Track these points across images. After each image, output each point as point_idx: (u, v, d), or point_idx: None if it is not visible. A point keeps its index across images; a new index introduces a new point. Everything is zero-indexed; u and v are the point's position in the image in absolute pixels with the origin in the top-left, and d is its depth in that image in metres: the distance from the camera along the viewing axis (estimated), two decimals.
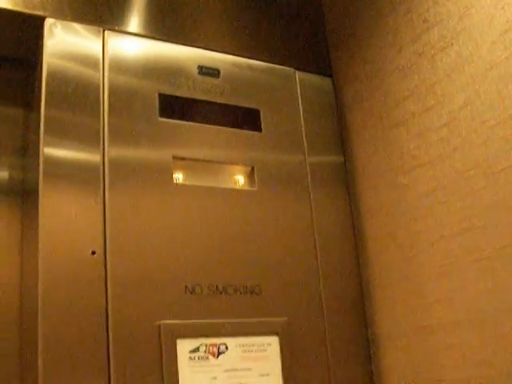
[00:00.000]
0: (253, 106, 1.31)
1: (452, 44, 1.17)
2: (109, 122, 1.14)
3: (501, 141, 1.05)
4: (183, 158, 1.20)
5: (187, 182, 1.19)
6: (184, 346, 1.07)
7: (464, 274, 1.11)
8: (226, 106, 1.28)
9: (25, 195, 1.23)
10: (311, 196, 1.30)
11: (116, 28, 1.22)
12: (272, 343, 1.15)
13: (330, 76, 1.48)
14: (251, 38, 1.39)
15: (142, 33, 1.25)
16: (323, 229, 1.29)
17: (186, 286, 1.11)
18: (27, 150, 1.25)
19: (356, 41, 1.43)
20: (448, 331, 1.14)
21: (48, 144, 1.07)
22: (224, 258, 1.16)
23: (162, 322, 1.06)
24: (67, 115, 1.11)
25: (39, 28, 1.15)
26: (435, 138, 1.19)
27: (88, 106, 1.13)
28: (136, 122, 1.16)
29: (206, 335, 1.09)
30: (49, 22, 1.15)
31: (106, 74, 1.17)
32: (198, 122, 1.23)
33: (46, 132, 1.08)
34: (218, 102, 1.27)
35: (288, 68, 1.40)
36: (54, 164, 1.07)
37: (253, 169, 1.26)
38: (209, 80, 1.28)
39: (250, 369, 1.11)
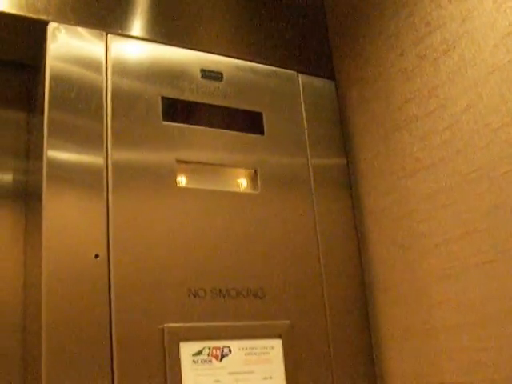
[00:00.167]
0: (256, 109, 1.31)
1: (454, 47, 1.17)
2: (112, 126, 1.14)
3: (503, 144, 1.06)
4: (186, 162, 1.20)
5: (190, 186, 1.19)
6: (187, 349, 1.07)
7: (467, 277, 1.11)
8: (228, 109, 1.28)
9: (28, 198, 1.23)
10: (314, 199, 1.30)
11: (119, 32, 1.22)
12: (275, 346, 1.15)
13: (333, 79, 1.48)
14: (254, 42, 1.39)
15: (145, 36, 1.25)
16: (326, 231, 1.29)
17: (189, 289, 1.11)
18: (31, 153, 1.26)
19: (359, 44, 1.43)
20: (451, 334, 1.14)
21: (51, 147, 1.08)
22: (227, 261, 1.16)
23: (165, 325, 1.06)
24: (70, 118, 1.11)
25: (43, 32, 1.15)
26: (438, 141, 1.19)
27: (91, 110, 1.13)
28: (139, 125, 1.17)
29: (210, 338, 1.09)
30: (52, 26, 1.15)
31: (109, 77, 1.17)
32: (200, 125, 1.24)
33: (49, 135, 1.08)
34: (221, 105, 1.27)
35: (291, 71, 1.40)
36: (58, 167, 1.07)
37: (256, 172, 1.26)
38: (212, 83, 1.28)
39: (253, 372, 1.11)
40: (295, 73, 1.41)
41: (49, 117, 1.09)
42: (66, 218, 1.05)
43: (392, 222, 1.29)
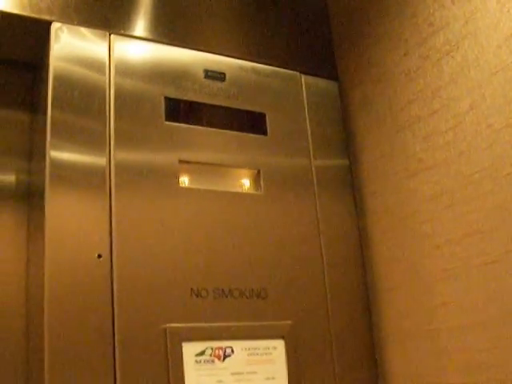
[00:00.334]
0: (258, 109, 1.31)
1: (458, 48, 1.17)
2: (115, 126, 1.14)
3: (506, 145, 1.05)
4: (189, 162, 1.20)
5: (193, 186, 1.19)
6: (190, 350, 1.07)
7: (469, 278, 1.11)
8: (231, 109, 1.28)
9: (31, 198, 1.23)
10: (317, 199, 1.30)
11: (122, 32, 1.22)
12: (278, 347, 1.15)
13: (336, 80, 1.48)
14: (257, 42, 1.39)
15: (148, 37, 1.25)
16: (329, 232, 1.29)
17: (192, 290, 1.11)
18: (33, 153, 1.26)
19: (362, 44, 1.43)
20: (453, 335, 1.14)
21: (54, 147, 1.08)
22: (230, 261, 1.16)
23: (167, 325, 1.06)
24: (73, 119, 1.11)
25: (46, 32, 1.15)
26: (441, 142, 1.19)
27: (94, 110, 1.13)
28: (142, 125, 1.17)
29: (212, 338, 1.09)
30: (55, 26, 1.15)
31: (112, 77, 1.17)
32: (203, 125, 1.24)
33: (52, 135, 1.08)
34: (224, 105, 1.27)
35: (294, 72, 1.40)
36: (60, 167, 1.07)
37: (259, 172, 1.26)
38: (215, 84, 1.28)
39: (255, 372, 1.11)
40: (298, 73, 1.41)
41: (52, 117, 1.09)
42: (69, 218, 1.05)
43: (395, 223, 1.29)
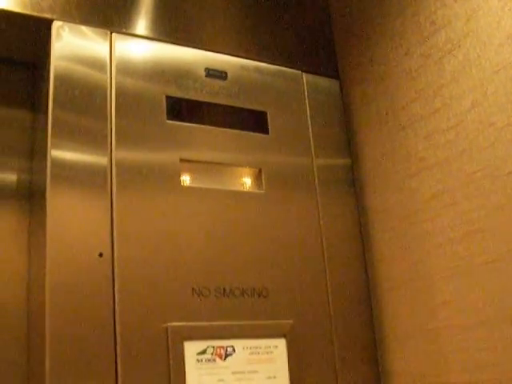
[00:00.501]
0: (260, 108, 1.31)
1: (459, 46, 1.17)
2: (116, 125, 1.14)
3: (508, 143, 1.05)
4: (190, 161, 1.20)
5: (194, 185, 1.19)
6: (191, 348, 1.07)
7: (471, 277, 1.11)
8: (233, 108, 1.28)
9: (32, 197, 1.24)
10: (318, 198, 1.30)
11: (123, 30, 1.22)
12: (279, 345, 1.14)
13: (337, 78, 1.47)
14: (258, 41, 1.39)
15: (150, 35, 1.25)
16: (330, 231, 1.29)
17: (193, 289, 1.11)
18: (35, 152, 1.26)
19: (363, 43, 1.43)
20: (455, 334, 1.14)
21: (55, 146, 1.08)
22: (231, 260, 1.16)
23: (169, 324, 1.06)
24: (75, 117, 1.11)
25: (47, 31, 1.15)
26: (442, 141, 1.19)
27: (95, 109, 1.13)
28: (143, 124, 1.17)
29: (214, 337, 1.09)
30: (56, 24, 1.15)
31: (114, 76, 1.17)
32: (205, 124, 1.24)
33: (53, 134, 1.08)
34: (226, 104, 1.27)
35: (295, 70, 1.40)
36: (62, 166, 1.07)
37: (260, 171, 1.26)
38: (216, 82, 1.28)
39: (256, 371, 1.11)
40: (300, 72, 1.40)
41: (53, 116, 1.09)
42: (70, 217, 1.05)
43: (396, 222, 1.29)
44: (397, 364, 1.26)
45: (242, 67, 1.33)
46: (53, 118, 1.09)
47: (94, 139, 1.11)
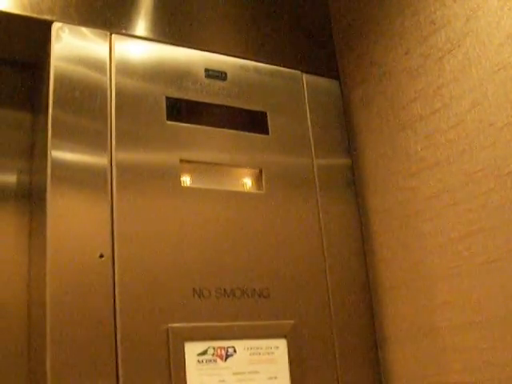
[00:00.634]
0: (260, 108, 1.31)
1: (459, 46, 1.17)
2: (116, 126, 1.14)
3: (509, 143, 1.05)
4: (190, 161, 1.20)
5: (195, 185, 1.19)
6: (192, 349, 1.07)
7: (472, 277, 1.11)
8: (233, 108, 1.28)
9: (32, 198, 1.23)
10: (319, 199, 1.30)
11: (123, 31, 1.22)
12: (280, 346, 1.14)
13: (337, 78, 1.47)
14: (258, 41, 1.39)
15: (149, 36, 1.25)
16: (331, 231, 1.29)
17: (194, 289, 1.11)
18: (35, 153, 1.26)
19: (363, 43, 1.43)
20: (456, 334, 1.14)
21: (56, 147, 1.08)
22: (232, 260, 1.16)
23: (169, 325, 1.06)
24: (75, 118, 1.11)
25: (47, 32, 1.15)
26: (443, 141, 1.19)
27: (95, 110, 1.13)
28: (143, 125, 1.17)
29: (214, 338, 1.09)
30: (56, 25, 1.15)
31: (113, 77, 1.17)
32: (205, 124, 1.24)
33: (53, 135, 1.08)
34: (225, 104, 1.27)
35: (295, 71, 1.40)
36: (62, 167, 1.07)
37: (260, 171, 1.26)
38: (216, 83, 1.28)
39: (257, 372, 1.11)
40: (299, 72, 1.40)
41: (53, 117, 1.09)
42: (71, 218, 1.05)
43: (397, 222, 1.29)
44: (397, 364, 1.26)
45: (242, 68, 1.33)
46: (53, 119, 1.09)
47: (94, 140, 1.11)
